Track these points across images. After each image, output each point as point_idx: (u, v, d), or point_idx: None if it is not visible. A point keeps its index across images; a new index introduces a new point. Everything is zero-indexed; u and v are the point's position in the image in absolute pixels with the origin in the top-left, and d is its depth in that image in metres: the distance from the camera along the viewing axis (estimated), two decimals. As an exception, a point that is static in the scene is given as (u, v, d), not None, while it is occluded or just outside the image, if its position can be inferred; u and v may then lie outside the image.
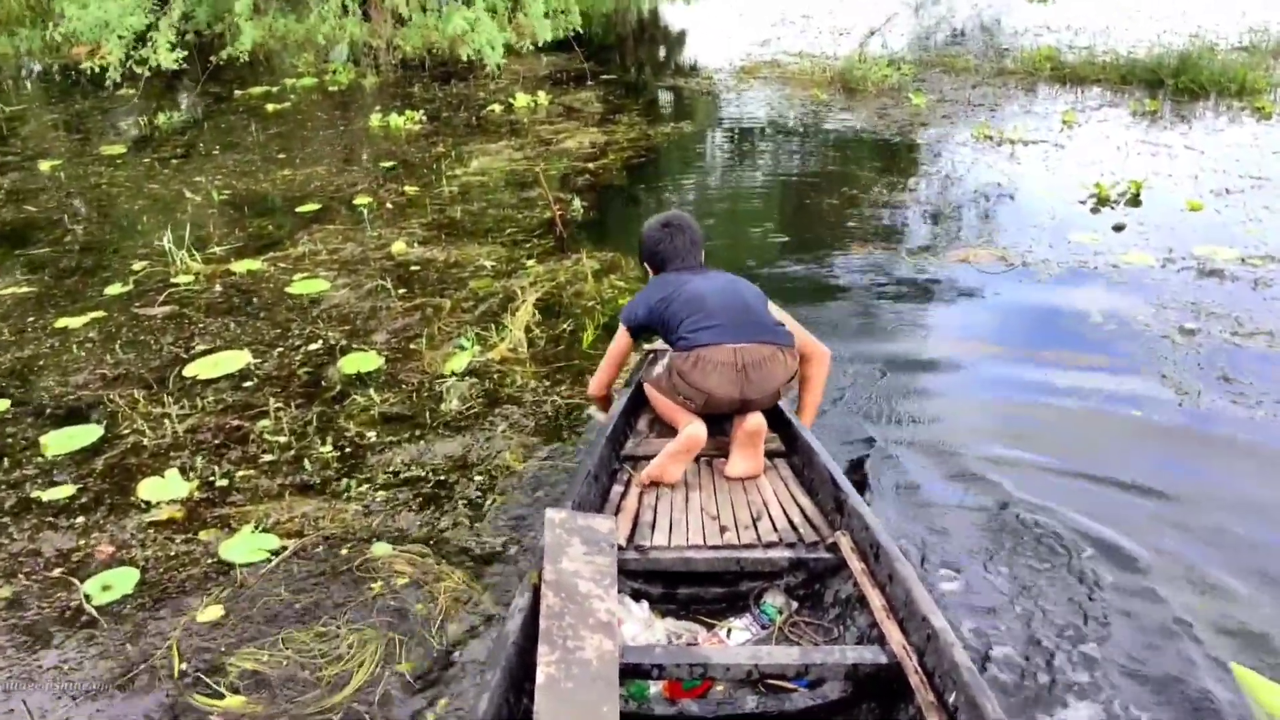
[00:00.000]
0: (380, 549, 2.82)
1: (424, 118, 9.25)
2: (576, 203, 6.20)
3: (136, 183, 7.40)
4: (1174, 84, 8.89)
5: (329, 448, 3.45)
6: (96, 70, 10.41)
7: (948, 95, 9.31)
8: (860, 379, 3.79)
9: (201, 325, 4.62)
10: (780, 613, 2.43)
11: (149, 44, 10.42)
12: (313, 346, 4.34)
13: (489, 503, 3.05)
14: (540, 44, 11.38)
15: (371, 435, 3.54)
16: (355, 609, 2.59)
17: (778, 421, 3.05)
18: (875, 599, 2.21)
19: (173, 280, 5.21)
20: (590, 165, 7.31)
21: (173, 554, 2.88)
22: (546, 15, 11.64)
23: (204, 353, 4.31)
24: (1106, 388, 3.62)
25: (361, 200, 6.61)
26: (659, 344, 3.32)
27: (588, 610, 2.06)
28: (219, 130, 9.34)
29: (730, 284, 3.01)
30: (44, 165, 7.95)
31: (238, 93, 11.32)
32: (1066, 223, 5.50)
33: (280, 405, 3.78)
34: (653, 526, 2.58)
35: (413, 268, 5.28)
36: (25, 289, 5.16)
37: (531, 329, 4.39)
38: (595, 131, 8.46)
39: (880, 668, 2.03)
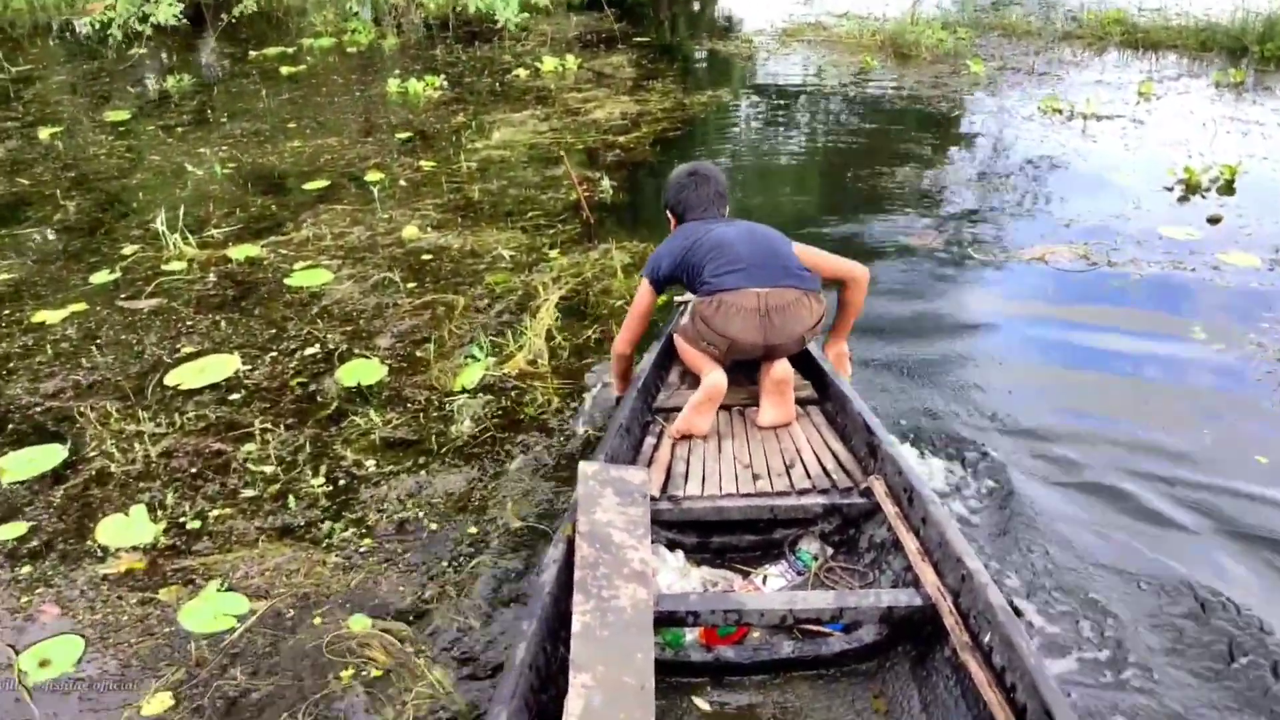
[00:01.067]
0: (357, 623, 2.41)
1: (445, 83, 8.77)
2: (605, 183, 5.73)
3: (138, 153, 7.00)
4: (1260, 51, 8.21)
5: (319, 480, 3.03)
6: (98, 26, 9.99)
7: (1009, 62, 8.68)
8: (916, 416, 3.31)
9: (190, 323, 4.22)
10: (815, 559, 2.44)
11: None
12: (310, 351, 3.92)
13: (482, 570, 2.62)
14: (569, 2, 10.82)
15: (370, 464, 3.12)
16: (320, 702, 2.18)
17: (810, 369, 3.07)
18: (910, 543, 2.22)
19: (163, 268, 4.81)
20: (621, 139, 6.81)
21: (125, 619, 2.48)
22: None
23: (190, 356, 3.91)
24: (1224, 443, 3.07)
25: (374, 176, 6.17)
26: (689, 295, 3.21)
27: (622, 560, 2.09)
28: (230, 95, 8.92)
29: (755, 229, 2.97)
30: (43, 132, 7.57)
31: (253, 53, 10.89)
32: (1153, 213, 4.95)
33: (269, 425, 3.38)
34: (685, 477, 2.60)
35: (424, 257, 4.84)
36: (4, 275, 4.78)
37: (553, 334, 3.94)
38: (627, 100, 7.94)
39: (915, 610, 2.06)
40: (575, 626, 1.90)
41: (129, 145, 7.22)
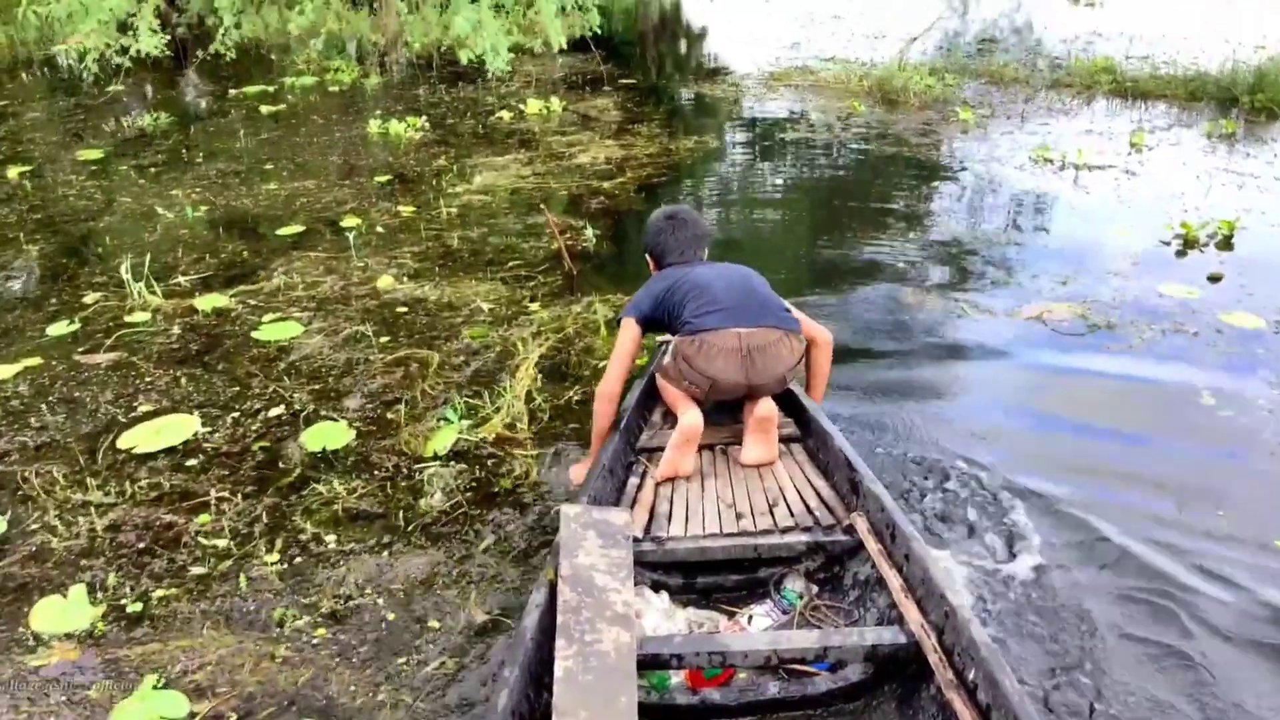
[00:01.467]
0: (304, 739, 2.20)
1: (427, 124, 8.65)
2: (589, 231, 5.58)
3: (109, 194, 6.82)
4: (1250, 102, 8.20)
5: (274, 557, 2.83)
6: (78, 57, 9.85)
7: (998, 109, 8.64)
8: (911, 483, 3.14)
9: (149, 379, 4.02)
10: (800, 597, 2.45)
11: (130, 31, 9.84)
12: (274, 412, 3.73)
13: (442, 672, 2.41)
14: (555, 48, 10.77)
15: (330, 540, 2.92)
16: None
17: (791, 406, 3.09)
18: (893, 579, 2.24)
19: (126, 318, 4.62)
20: (605, 185, 6.69)
21: (53, 724, 2.27)
22: (563, 10, 11.03)
23: (147, 416, 3.71)
24: (1242, 523, 2.92)
25: (350, 221, 6.01)
26: (670, 335, 3.18)
27: (604, 603, 2.08)
28: (207, 134, 8.77)
29: (734, 270, 3.00)
30: (12, 171, 7.40)
31: (233, 91, 10.76)
32: (1151, 269, 4.84)
33: (226, 493, 3.18)
34: (669, 517, 2.60)
35: (399, 309, 4.66)
36: (-43, 326, 4.57)
37: (533, 396, 3.76)
38: (612, 144, 7.83)
39: (899, 648, 2.06)
40: (558, 672, 1.89)
41: (100, 186, 7.05)
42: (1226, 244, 5.18)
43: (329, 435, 3.53)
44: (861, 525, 2.47)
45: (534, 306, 4.64)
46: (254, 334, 4.44)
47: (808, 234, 5.75)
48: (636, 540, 2.47)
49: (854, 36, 12.66)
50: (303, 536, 2.93)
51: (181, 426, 3.65)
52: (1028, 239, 5.33)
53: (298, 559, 2.83)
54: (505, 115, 8.98)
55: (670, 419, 3.07)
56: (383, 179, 7.04)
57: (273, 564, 2.80)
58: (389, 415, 3.66)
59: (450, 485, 3.17)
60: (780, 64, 11.25)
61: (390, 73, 11.36)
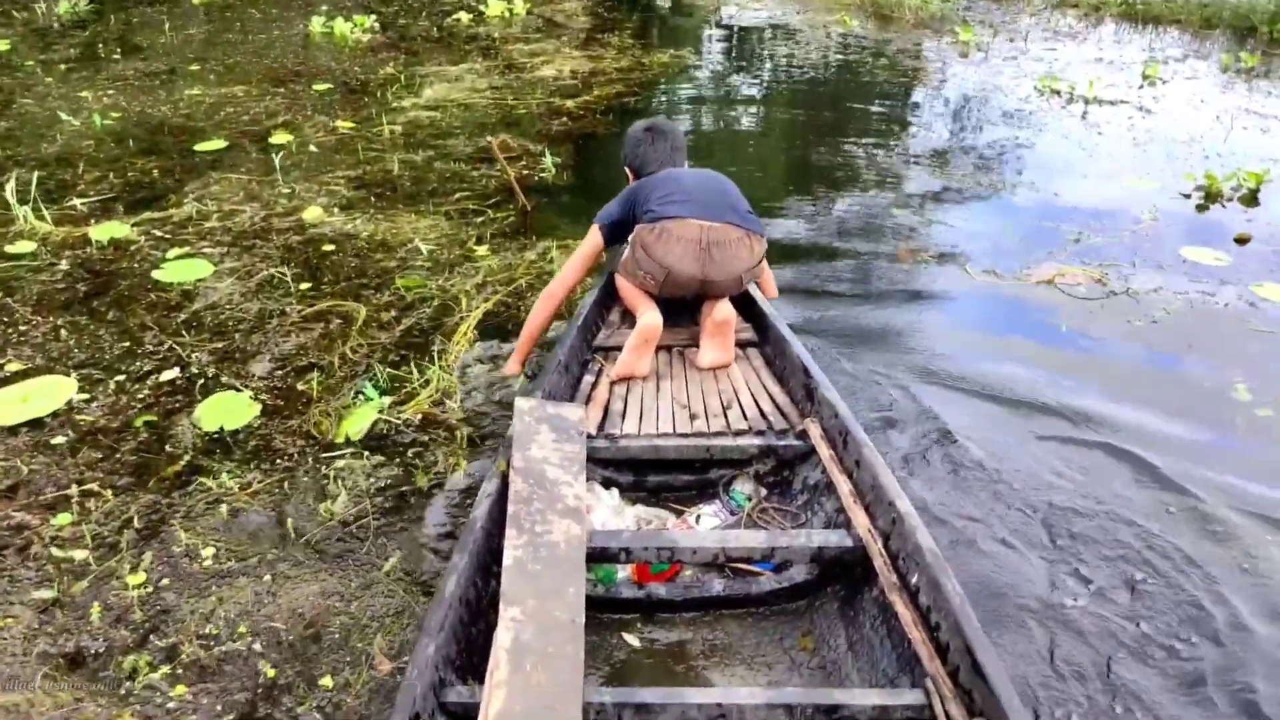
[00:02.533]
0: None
1: (376, 24, 7.91)
2: (548, 159, 5.00)
3: (6, 94, 6.10)
4: (1270, 32, 7.64)
5: (139, 578, 2.35)
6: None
7: (1000, 29, 8.03)
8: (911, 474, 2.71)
9: (24, 329, 3.47)
10: (749, 500, 2.48)
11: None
12: (168, 376, 3.21)
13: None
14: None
15: (208, 555, 2.43)
16: None
17: (750, 311, 3.13)
18: (843, 484, 2.28)
19: (6, 249, 4.02)
20: (569, 104, 6.07)
21: None
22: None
23: (13, 378, 3.17)
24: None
25: (280, 138, 5.38)
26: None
27: (556, 496, 2.11)
28: (130, 25, 7.97)
29: (707, 173, 3.02)
30: (-101, 64, 6.62)
31: (164, -24, 9.82)
32: (1173, 227, 4.38)
33: (96, 485, 2.68)
34: (623, 415, 2.64)
35: (326, 248, 4.11)
36: None
37: (469, 366, 3.26)
38: (579, 56, 7.16)
39: (845, 551, 2.11)
40: (507, 560, 1.89)
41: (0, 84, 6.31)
42: (1252, 199, 4.73)
43: (228, 410, 3.02)
44: (814, 431, 2.50)
45: (481, 250, 4.11)
46: (155, 273, 3.88)
47: (786, 169, 5.20)
48: (590, 437, 2.49)
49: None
50: (177, 549, 2.45)
51: (54, 392, 3.12)
52: (1036, 185, 4.83)
53: (165, 580, 2.35)
54: (464, 17, 8.23)
55: (629, 319, 3.05)
56: (321, 88, 6.36)
57: (135, 587, 2.31)
58: (300, 386, 3.15)
59: (358, 485, 2.68)
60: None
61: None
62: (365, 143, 5.36)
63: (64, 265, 3.94)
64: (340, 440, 2.87)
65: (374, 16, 8.02)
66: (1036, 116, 5.87)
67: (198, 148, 5.26)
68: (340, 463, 2.76)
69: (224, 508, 2.58)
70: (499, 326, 3.51)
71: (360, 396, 3.05)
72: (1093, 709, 1.98)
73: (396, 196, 4.66)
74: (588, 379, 2.83)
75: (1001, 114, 5.94)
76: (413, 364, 3.24)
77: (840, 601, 2.16)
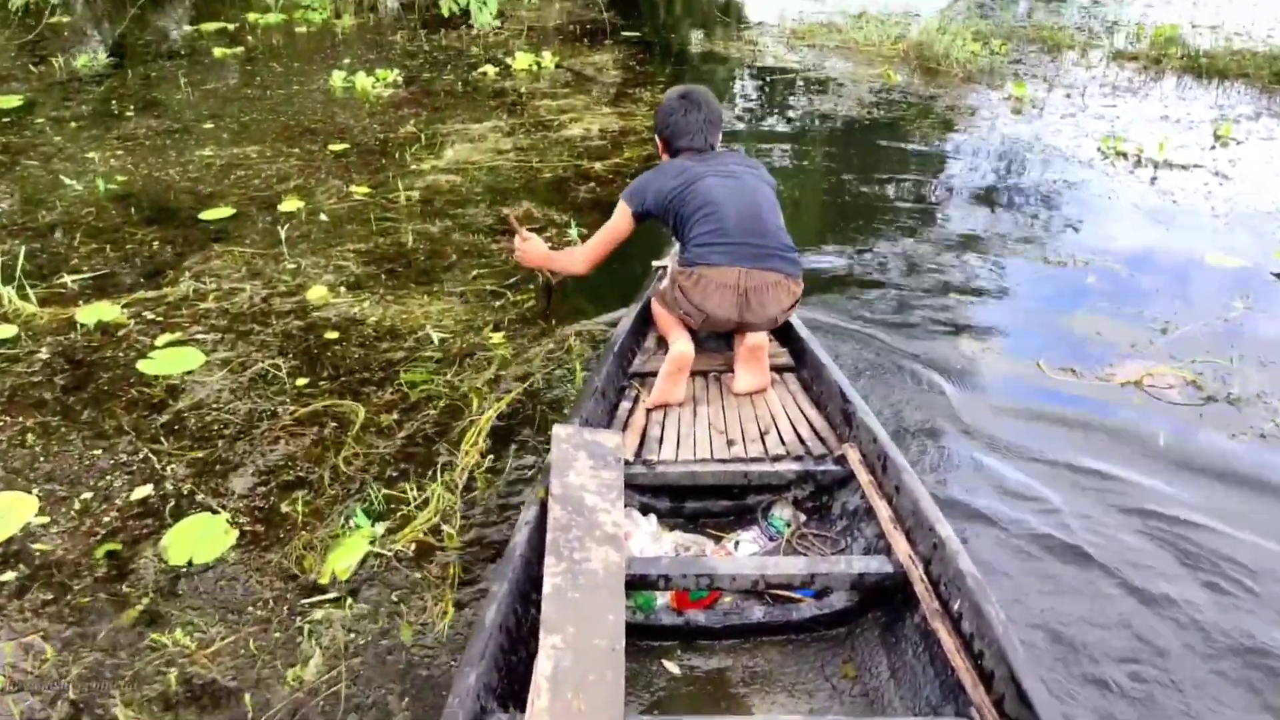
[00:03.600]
0: None
1: (399, 79, 7.69)
2: (573, 231, 4.68)
3: (13, 154, 5.90)
4: (1347, 88, 7.22)
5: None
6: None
7: (1055, 83, 7.66)
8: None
9: (-12, 432, 3.16)
10: (788, 525, 2.49)
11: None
12: (140, 493, 2.88)
13: None
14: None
15: (157, 738, 2.07)
16: None
17: (786, 336, 3.15)
18: (882, 510, 2.29)
19: (-16, 336, 3.74)
20: (597, 166, 5.76)
21: None
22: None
23: (-31, 493, 2.85)
24: None
25: (290, 205, 5.11)
26: (666, 260, 3.37)
27: (594, 523, 2.13)
28: (147, 80, 7.81)
29: (746, 188, 2.92)
30: (-92, 121, 6.46)
31: (187, 28, 9.76)
32: (1268, 313, 3.96)
33: (39, 636, 2.33)
34: (660, 441, 2.66)
35: (328, 335, 3.79)
36: None
37: (475, 481, 2.90)
38: (609, 113, 6.88)
39: (885, 577, 2.11)
40: (546, 588, 1.91)
41: (6, 143, 6.11)
42: (1356, 280, 4.28)
43: (201, 538, 2.68)
44: (853, 456, 2.51)
45: (496, 338, 3.76)
46: (141, 364, 3.58)
47: (821, 240, 4.83)
48: (627, 463, 2.51)
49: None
50: (117, 731, 2.08)
51: (11, 513, 2.80)
52: (1109, 263, 4.41)
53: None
54: (490, 71, 8.00)
55: (665, 345, 3.05)
56: (338, 148, 6.11)
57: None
58: (285, 507, 2.80)
59: (337, 639, 2.32)
60: (803, 19, 10.22)
61: (366, 13, 10.32)
62: (379, 211, 5.07)
63: (44, 353, 3.65)
64: (324, 581, 2.51)
65: (396, 71, 7.81)
66: (1102, 182, 5.47)
67: (203, 215, 4.99)
68: (319, 613, 2.40)
69: (174, 673, 2.21)
70: (511, 431, 3.15)
71: (350, 523, 2.69)
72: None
73: (409, 274, 4.34)
74: (624, 405, 2.86)
75: (1064, 180, 5.55)
76: (412, 479, 2.89)
77: (881, 628, 2.16)
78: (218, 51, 8.74)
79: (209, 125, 6.60)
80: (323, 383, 3.47)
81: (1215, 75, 7.87)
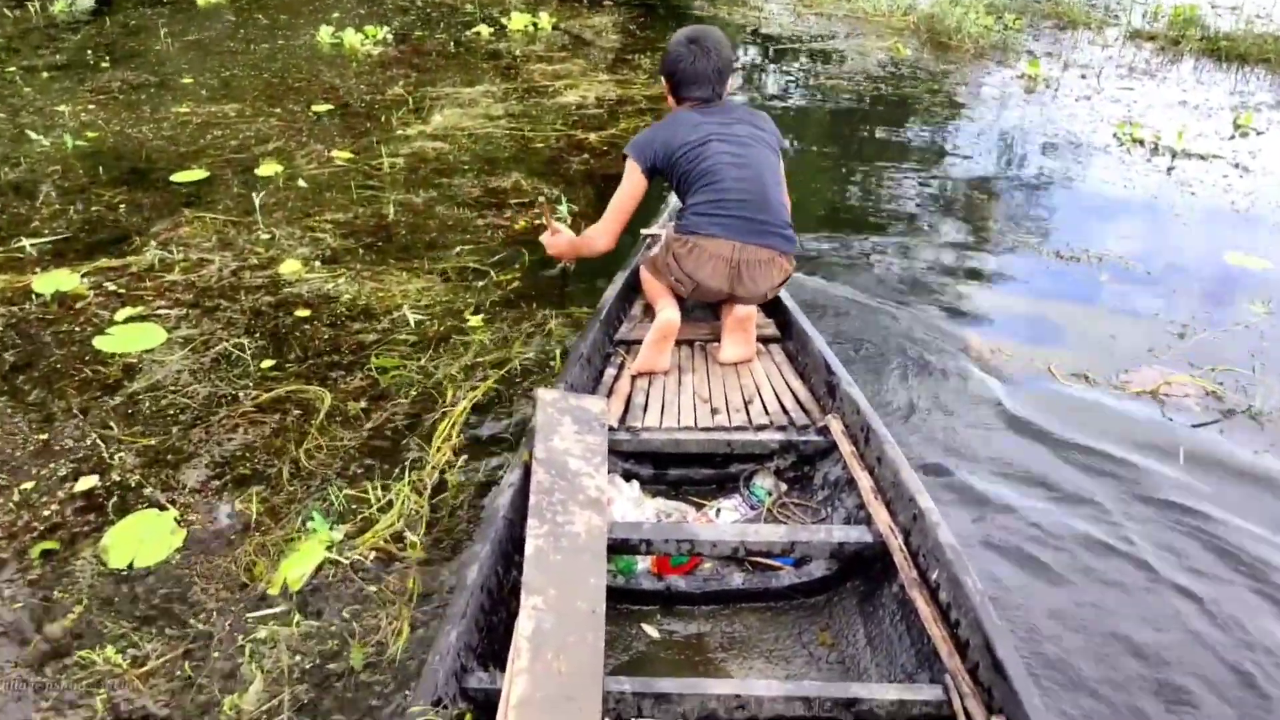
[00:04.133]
0: None
1: (389, 36, 7.42)
2: (564, 208, 4.46)
3: (-20, 107, 5.64)
4: (1372, 77, 6.98)
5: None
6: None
7: (1070, 63, 7.41)
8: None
9: (-73, 411, 2.96)
10: (769, 494, 2.53)
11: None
12: (85, 484, 2.69)
13: None
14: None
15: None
16: None
17: (773, 307, 3.16)
18: (864, 480, 2.31)
19: (-69, 303, 3.53)
20: (592, 137, 5.53)
21: None
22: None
23: (-98, 479, 2.66)
24: None
25: (267, 169, 4.89)
26: (655, 228, 3.34)
27: (577, 487, 2.15)
28: (126, 29, 7.52)
29: (752, 156, 2.86)
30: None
31: (172, -25, 9.39)
32: (1290, 318, 3.76)
33: (-37, 645, 2.15)
34: (644, 408, 2.69)
35: (299, 313, 3.58)
36: None
37: (444, 479, 2.71)
38: (606, 79, 6.63)
39: (865, 546, 2.14)
40: (528, 550, 1.93)
41: (-27, 94, 5.85)
42: (1382, 285, 4.09)
43: (145, 538, 2.50)
44: (836, 427, 2.53)
45: (475, 320, 3.56)
46: (98, 340, 3.37)
47: (819, 226, 4.62)
48: (611, 429, 2.54)
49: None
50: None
51: (-56, 503, 2.60)
52: (1125, 261, 4.22)
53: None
54: (484, 31, 7.72)
55: (651, 313, 3.06)
56: (321, 109, 5.87)
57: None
58: (239, 504, 2.62)
59: (281, 661, 2.14)
60: (812, -16, 9.90)
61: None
62: (362, 178, 4.85)
63: (-7, 324, 3.44)
64: (275, 591, 2.33)
65: (388, 28, 7.53)
66: (1118, 171, 5.25)
67: (175, 178, 4.76)
68: (264, 631, 2.21)
69: (103, 695, 2.03)
70: (485, 425, 2.95)
71: (307, 526, 2.50)
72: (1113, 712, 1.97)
73: (389, 249, 4.13)
74: (610, 372, 2.88)
75: (1077, 166, 5.33)
76: (377, 476, 2.70)
77: (860, 597, 2.19)
78: (201, 1, 8.43)
79: (188, 80, 6.34)
80: (289, 365, 3.27)
81: (1235, 59, 7.63)
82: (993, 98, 6.60)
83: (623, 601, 2.20)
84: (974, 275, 4.09)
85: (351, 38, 7.21)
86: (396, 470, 2.74)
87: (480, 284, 3.86)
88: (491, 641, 1.90)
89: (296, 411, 3.02)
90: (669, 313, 2.85)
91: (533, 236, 4.07)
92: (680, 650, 2.13)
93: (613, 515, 2.26)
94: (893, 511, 2.19)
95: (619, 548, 2.15)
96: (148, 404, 3.05)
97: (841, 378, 2.62)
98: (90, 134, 5.26)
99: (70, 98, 5.86)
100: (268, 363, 3.27)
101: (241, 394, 3.10)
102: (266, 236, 4.20)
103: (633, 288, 3.27)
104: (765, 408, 2.68)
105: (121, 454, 2.81)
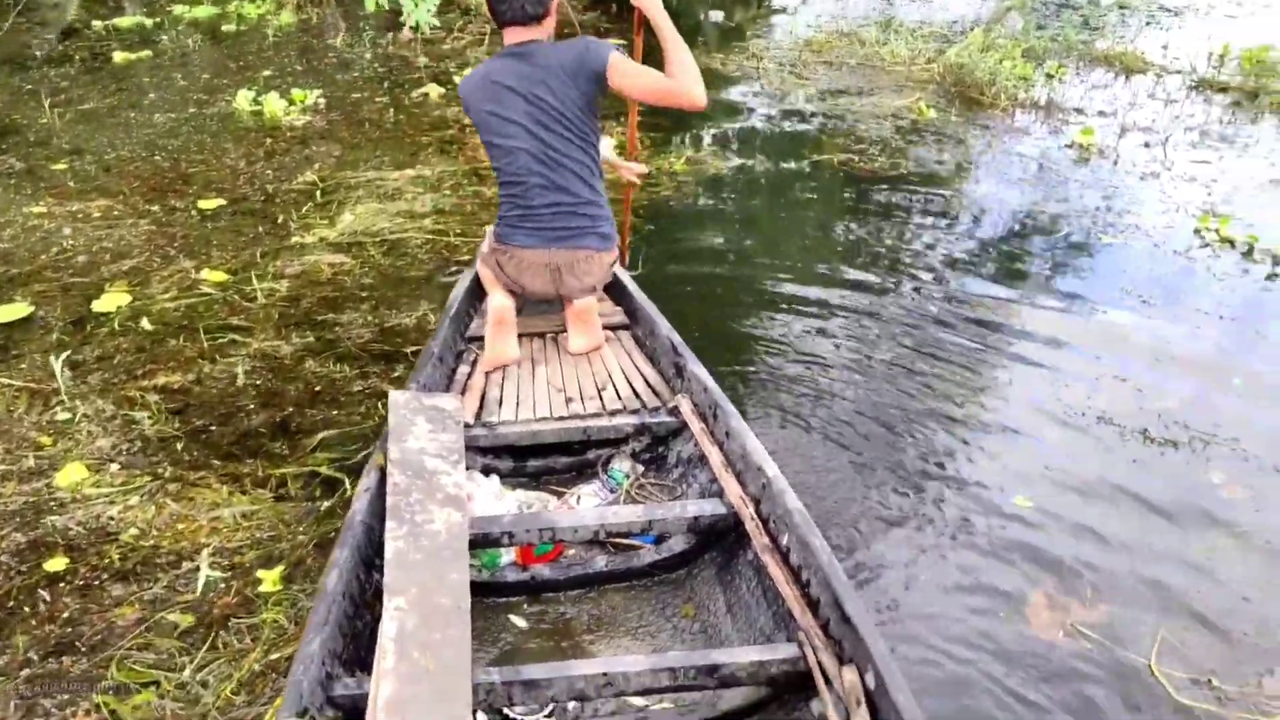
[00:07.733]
0: None
1: (319, 101, 6.42)
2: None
3: None
4: None
5: None
6: None
7: (1128, 124, 6.27)
8: None
9: None
10: (627, 477, 2.64)
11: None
12: None
13: None
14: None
15: None
16: None
17: (620, 295, 3.27)
18: (714, 455, 2.44)
19: None
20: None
21: None
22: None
23: None
24: None
25: (110, 301, 3.94)
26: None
27: (435, 485, 2.14)
28: (12, 94, 6.57)
29: (557, 148, 2.70)
30: None
31: (97, 24, 8.53)
32: None
33: None
34: (499, 402, 2.76)
35: (50, 564, 2.55)
36: None
37: None
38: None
39: (719, 518, 2.26)
40: (388, 552, 1.91)
41: None
42: None
43: None
44: (685, 406, 2.65)
45: (271, 576, 2.49)
46: None
47: (822, 376, 3.52)
48: (467, 426, 2.56)
49: (921, -11, 10.13)
50: None
51: None
52: (1244, 447, 3.08)
53: None
54: (433, 91, 6.72)
55: None
56: (210, 204, 4.87)
57: None
58: None
59: None
60: (820, 26, 8.84)
61: (310, 9, 9.03)
62: (225, 313, 3.84)
63: None
64: None
65: (319, 91, 6.52)
66: (1204, 281, 4.15)
67: (-11, 314, 3.75)
68: None
69: None
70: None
71: None
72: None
73: (220, 439, 3.10)
74: (463, 369, 2.92)
75: (1153, 281, 4.20)
76: None
77: (718, 567, 2.31)
78: (119, 56, 7.50)
79: (61, 165, 5.36)
80: (10, 654, 2.20)
81: (1327, 117, 6.48)
82: (1036, 175, 5.50)
83: (489, 595, 2.28)
84: (1017, 474, 2.97)
85: (274, 105, 6.21)
86: None
87: (326, 504, 2.79)
88: (357, 648, 1.90)
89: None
90: (498, 298, 2.90)
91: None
92: (549, 637, 2.22)
93: (473, 511, 2.27)
94: (743, 483, 2.30)
95: (481, 542, 2.18)
96: None
97: (688, 359, 2.71)
98: (-96, 247, 4.27)
99: (-93, 190, 4.88)
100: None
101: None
102: (63, 418, 3.17)
103: (481, 284, 3.20)
104: (618, 393, 2.78)
105: None
